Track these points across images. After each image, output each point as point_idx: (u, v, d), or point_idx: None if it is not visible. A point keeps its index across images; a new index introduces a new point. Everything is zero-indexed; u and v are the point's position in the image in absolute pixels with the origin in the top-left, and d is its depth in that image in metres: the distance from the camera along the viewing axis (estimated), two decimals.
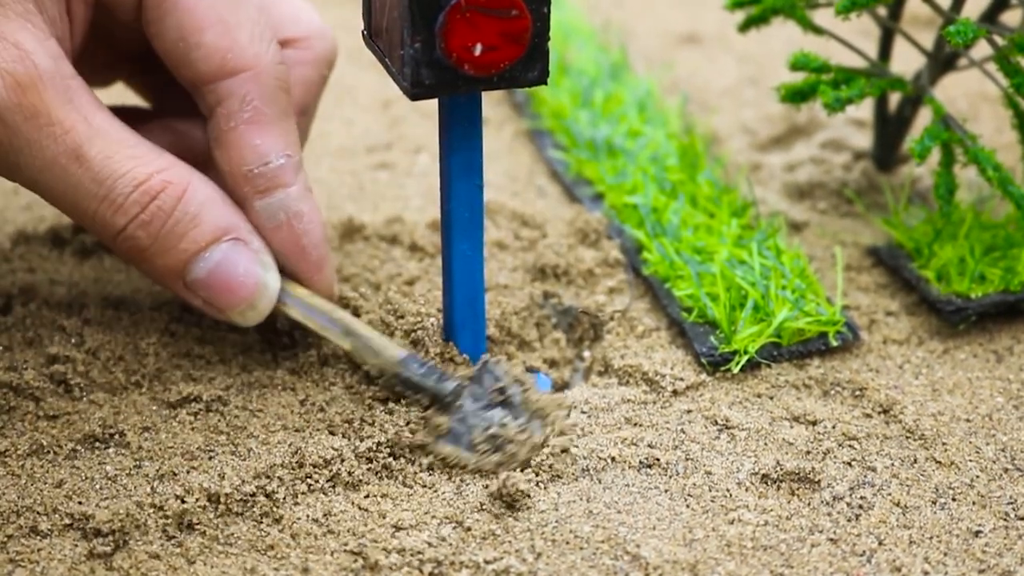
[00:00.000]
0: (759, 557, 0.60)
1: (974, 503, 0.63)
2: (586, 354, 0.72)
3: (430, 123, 0.91)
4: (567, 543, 0.60)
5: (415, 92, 0.60)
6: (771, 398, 0.68)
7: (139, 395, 0.67)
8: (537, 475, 0.63)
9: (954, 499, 0.63)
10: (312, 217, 0.65)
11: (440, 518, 0.61)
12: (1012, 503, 0.63)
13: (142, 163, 0.62)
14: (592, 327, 0.73)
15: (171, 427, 0.65)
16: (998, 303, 0.73)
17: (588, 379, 0.71)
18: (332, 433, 0.65)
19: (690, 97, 0.95)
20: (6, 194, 0.82)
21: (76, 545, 0.60)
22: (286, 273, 0.66)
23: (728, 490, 0.63)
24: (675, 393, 0.68)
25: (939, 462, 0.65)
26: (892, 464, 0.65)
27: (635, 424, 0.66)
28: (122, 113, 0.65)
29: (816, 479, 0.63)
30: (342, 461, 0.63)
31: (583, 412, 0.67)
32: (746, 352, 0.70)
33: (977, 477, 0.64)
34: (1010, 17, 0.79)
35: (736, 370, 0.69)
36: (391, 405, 0.66)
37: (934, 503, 0.63)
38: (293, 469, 0.63)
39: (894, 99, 0.85)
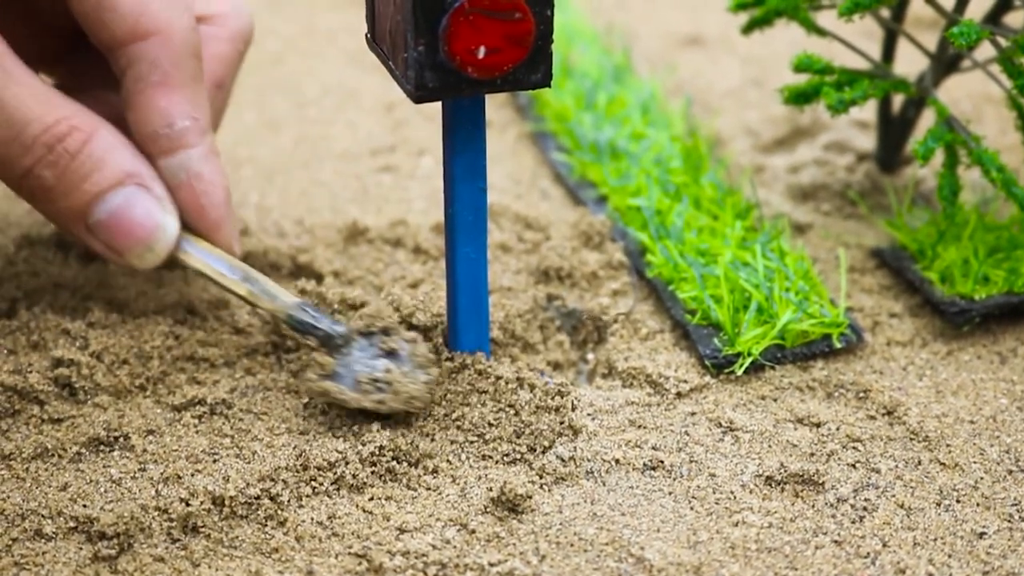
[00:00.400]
0: (763, 559, 0.60)
1: (978, 505, 0.63)
2: (590, 356, 0.72)
3: (433, 126, 0.91)
4: (571, 545, 0.60)
5: (419, 95, 0.60)
6: (775, 400, 0.68)
7: (143, 398, 0.67)
8: (541, 477, 0.63)
9: (958, 501, 0.63)
10: (213, 179, 0.67)
11: (444, 521, 0.61)
12: (1016, 505, 0.63)
13: (52, 108, 0.64)
14: (596, 329, 0.73)
15: (175, 430, 0.66)
16: (1002, 304, 0.73)
17: (592, 381, 0.71)
18: (336, 436, 0.65)
19: (694, 99, 0.96)
20: (10, 198, 0.82)
21: (80, 548, 0.60)
22: (188, 231, 0.68)
23: (732, 492, 0.63)
24: (679, 395, 0.68)
25: (943, 464, 0.65)
26: (896, 466, 0.65)
27: (639, 426, 0.66)
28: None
29: (820, 481, 0.63)
30: (346, 464, 0.63)
31: (587, 414, 0.67)
32: (750, 354, 0.70)
33: (981, 479, 0.64)
34: (1013, 19, 0.79)
35: (740, 372, 0.69)
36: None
37: (938, 505, 0.63)
38: (297, 472, 0.63)
39: (897, 101, 0.85)
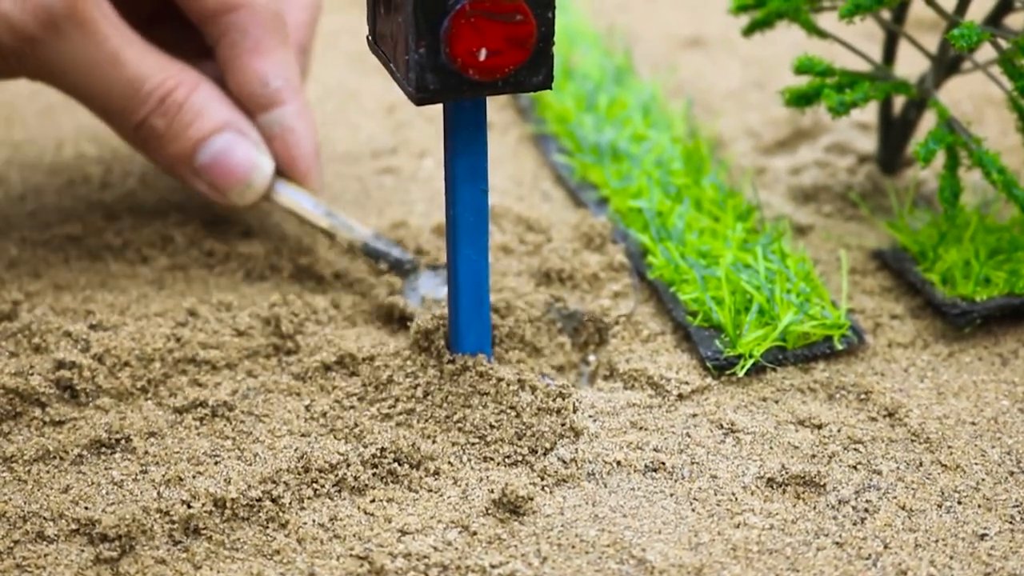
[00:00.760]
0: (765, 561, 0.60)
1: (980, 506, 0.63)
2: (591, 358, 0.72)
3: (435, 128, 0.91)
4: (573, 547, 0.60)
5: (420, 97, 0.60)
6: (776, 402, 0.68)
7: (145, 400, 0.67)
8: (543, 479, 0.63)
9: (960, 502, 0.63)
10: (304, 133, 0.76)
11: (446, 522, 0.61)
12: (1018, 506, 0.63)
13: (164, 66, 0.73)
14: (597, 331, 0.73)
15: (177, 432, 0.66)
16: (1003, 306, 0.73)
17: (593, 383, 0.71)
18: (337, 438, 0.65)
19: (694, 101, 0.96)
20: (12, 201, 0.82)
21: (82, 550, 0.60)
22: (281, 176, 0.76)
23: (733, 494, 0.63)
24: (680, 397, 0.68)
25: (945, 465, 0.65)
26: (897, 467, 0.65)
27: (640, 428, 0.66)
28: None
29: (821, 483, 0.63)
30: (348, 466, 0.63)
31: (589, 416, 0.67)
32: (751, 356, 0.70)
33: (983, 480, 0.64)
34: (1014, 20, 0.79)
35: (741, 374, 0.69)
36: (391, 411, 0.66)
37: (940, 506, 0.63)
38: (299, 474, 0.63)
39: (898, 102, 0.85)
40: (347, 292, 0.75)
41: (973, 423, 0.67)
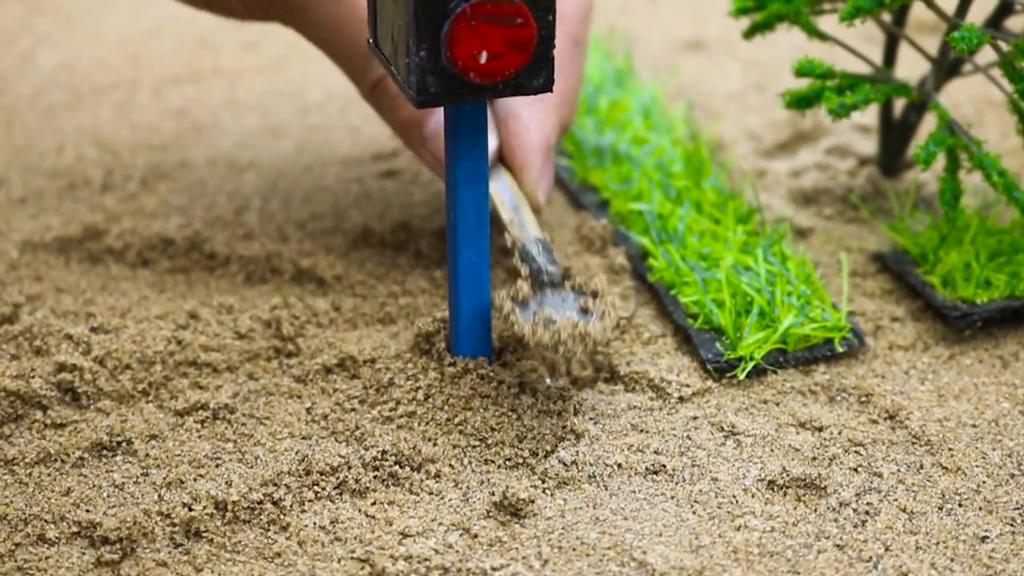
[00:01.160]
0: (765, 563, 0.60)
1: (981, 509, 0.63)
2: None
3: None
4: (573, 550, 0.60)
5: (421, 100, 0.60)
6: (777, 404, 0.68)
7: (146, 403, 0.67)
8: (543, 482, 0.63)
9: (960, 505, 0.63)
10: (527, 123, 0.72)
11: (447, 525, 0.61)
12: (1019, 508, 0.63)
13: None
14: None
15: (178, 435, 0.66)
16: (1004, 308, 0.73)
17: (594, 386, 0.71)
18: (338, 441, 0.65)
19: (695, 103, 0.96)
20: (13, 204, 0.82)
21: (84, 553, 0.60)
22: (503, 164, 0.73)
23: (734, 496, 0.63)
24: (681, 399, 0.68)
25: (945, 468, 0.65)
26: (898, 470, 0.65)
27: (641, 431, 0.67)
28: None
29: (822, 485, 0.63)
30: (349, 469, 0.63)
31: (589, 419, 0.67)
32: (752, 358, 0.70)
33: (983, 483, 0.64)
34: (1014, 23, 0.79)
35: (742, 376, 0.69)
36: (392, 414, 0.66)
37: (940, 509, 0.63)
38: (300, 477, 0.63)
39: (899, 105, 0.85)
40: (348, 295, 0.75)
41: (974, 425, 0.67)
